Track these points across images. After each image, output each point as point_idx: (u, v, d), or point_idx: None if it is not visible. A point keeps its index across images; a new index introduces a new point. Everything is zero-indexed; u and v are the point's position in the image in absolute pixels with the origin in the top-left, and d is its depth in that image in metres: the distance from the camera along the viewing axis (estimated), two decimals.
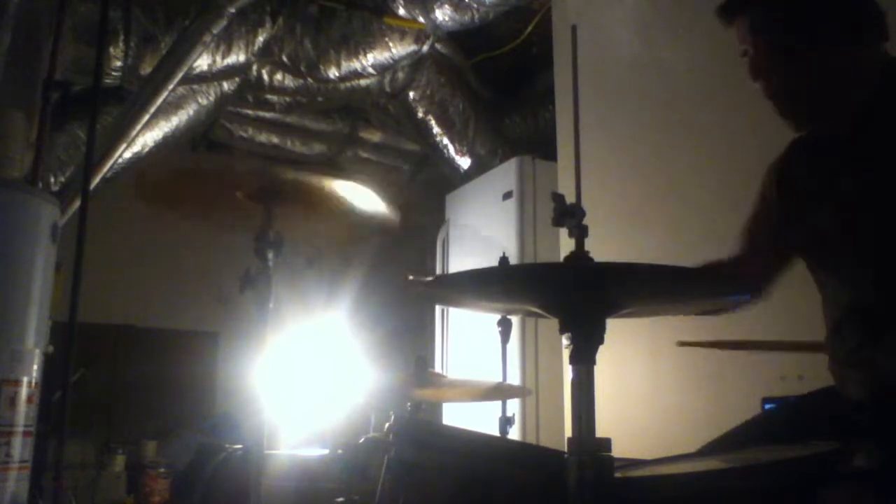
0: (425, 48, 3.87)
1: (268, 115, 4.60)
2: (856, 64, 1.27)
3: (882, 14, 1.28)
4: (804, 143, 1.42)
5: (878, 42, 1.28)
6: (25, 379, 1.79)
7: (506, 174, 3.76)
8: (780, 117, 1.33)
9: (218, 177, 1.50)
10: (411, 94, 4.16)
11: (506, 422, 2.20)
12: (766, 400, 1.93)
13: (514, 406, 3.11)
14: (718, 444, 1.36)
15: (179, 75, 3.18)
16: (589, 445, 0.88)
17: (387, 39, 3.75)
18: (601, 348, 0.92)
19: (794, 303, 1.53)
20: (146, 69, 3.35)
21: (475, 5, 3.49)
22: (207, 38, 3.19)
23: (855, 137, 1.28)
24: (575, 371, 0.92)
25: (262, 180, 1.46)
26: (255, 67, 3.75)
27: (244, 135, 4.79)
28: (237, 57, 3.57)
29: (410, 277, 2.02)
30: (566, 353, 0.93)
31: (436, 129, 4.25)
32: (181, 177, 1.51)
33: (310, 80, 3.82)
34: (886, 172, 1.23)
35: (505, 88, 4.51)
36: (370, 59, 3.78)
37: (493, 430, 2.19)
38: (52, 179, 3.47)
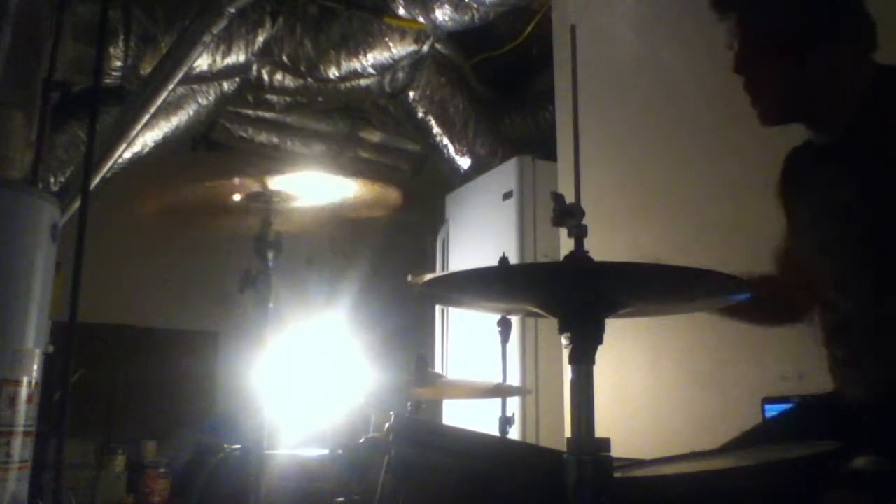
0: (425, 48, 3.87)
1: (268, 115, 4.60)
2: (845, 67, 1.27)
3: (873, 22, 1.28)
4: (799, 152, 1.42)
5: (868, 49, 1.28)
6: (25, 379, 1.78)
7: (506, 174, 3.76)
8: (760, 119, 1.33)
9: (217, 178, 1.50)
10: (411, 94, 4.15)
11: (506, 422, 2.20)
12: (766, 400, 1.93)
13: (514, 406, 3.11)
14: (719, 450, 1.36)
15: (179, 75, 3.18)
16: (588, 445, 0.88)
17: (387, 39, 3.75)
18: (601, 348, 0.92)
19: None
20: (146, 69, 3.35)
21: (475, 5, 3.49)
22: (207, 38, 3.19)
23: (844, 146, 1.28)
24: (574, 371, 0.92)
25: (261, 182, 1.46)
26: (255, 67, 3.75)
27: (244, 135, 4.79)
28: (237, 57, 3.57)
29: (410, 278, 2.02)
30: (566, 353, 0.93)
31: (436, 129, 4.25)
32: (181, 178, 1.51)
33: (310, 80, 3.82)
34: (879, 180, 1.22)
35: (505, 88, 4.50)
36: (370, 59, 3.78)
37: (493, 430, 2.19)
38: (52, 179, 3.47)
